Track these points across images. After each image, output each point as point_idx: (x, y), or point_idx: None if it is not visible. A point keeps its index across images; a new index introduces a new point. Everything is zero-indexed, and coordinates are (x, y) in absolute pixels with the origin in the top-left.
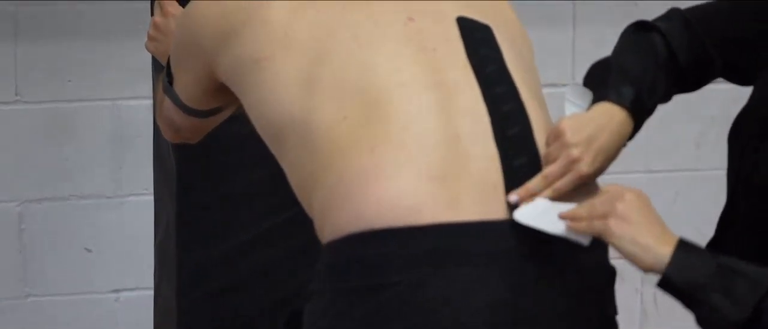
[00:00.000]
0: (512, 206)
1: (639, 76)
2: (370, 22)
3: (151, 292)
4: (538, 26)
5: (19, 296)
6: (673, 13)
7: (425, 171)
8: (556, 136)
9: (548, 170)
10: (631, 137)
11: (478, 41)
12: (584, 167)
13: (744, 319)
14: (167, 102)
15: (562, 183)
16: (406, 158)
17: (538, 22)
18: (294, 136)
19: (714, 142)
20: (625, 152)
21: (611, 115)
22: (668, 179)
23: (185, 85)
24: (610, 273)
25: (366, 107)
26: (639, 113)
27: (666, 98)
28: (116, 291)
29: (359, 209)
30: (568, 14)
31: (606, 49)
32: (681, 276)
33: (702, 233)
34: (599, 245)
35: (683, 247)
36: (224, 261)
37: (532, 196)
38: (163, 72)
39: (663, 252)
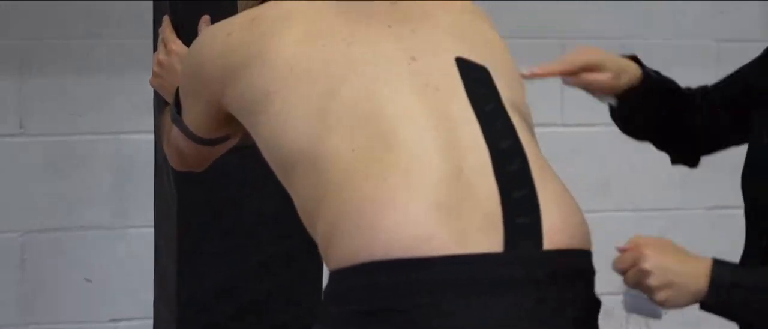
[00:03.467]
0: (512, 238)
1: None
2: (376, 59)
3: (150, 322)
4: (528, 65)
5: (20, 324)
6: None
7: (433, 204)
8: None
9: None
10: None
11: (477, 81)
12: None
13: None
14: (175, 131)
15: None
16: (414, 190)
17: (528, 61)
18: (303, 165)
19: (698, 181)
20: (612, 190)
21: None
22: (654, 217)
23: (193, 114)
24: (597, 304)
25: (373, 139)
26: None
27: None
28: (114, 320)
29: (368, 238)
30: (556, 53)
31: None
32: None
33: None
34: (588, 279)
35: (717, 274)
36: (223, 290)
37: None
38: (170, 103)
39: (701, 287)
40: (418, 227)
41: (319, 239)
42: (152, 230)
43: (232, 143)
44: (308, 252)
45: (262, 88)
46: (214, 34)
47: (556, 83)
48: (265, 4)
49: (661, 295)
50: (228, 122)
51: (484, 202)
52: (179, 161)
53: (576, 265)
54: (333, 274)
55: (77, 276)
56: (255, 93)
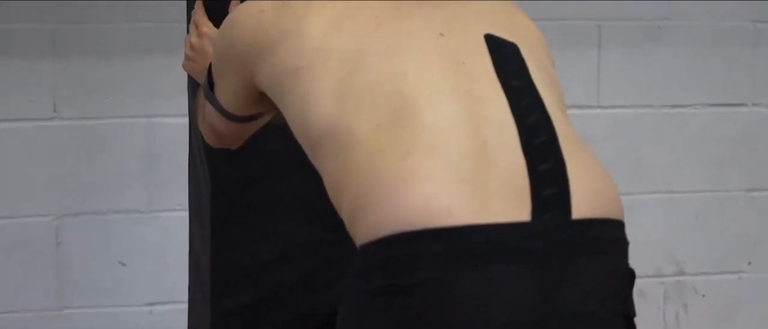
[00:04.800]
0: (539, 208)
1: None
2: (403, 36)
3: (184, 306)
4: (564, 48)
5: (56, 308)
6: None
7: (456, 176)
8: None
9: None
10: None
11: (505, 57)
12: None
13: None
14: (209, 108)
15: None
16: (437, 163)
17: (564, 43)
18: (329, 141)
19: (734, 163)
20: (646, 172)
21: None
22: (689, 200)
23: (226, 92)
24: (630, 275)
25: (398, 114)
26: None
27: None
28: (150, 304)
29: (392, 212)
30: (594, 35)
31: (631, 70)
32: None
33: (720, 254)
34: (620, 249)
35: None
36: (258, 272)
37: None
38: (203, 82)
39: None
40: (442, 199)
41: (344, 215)
42: (185, 213)
43: (265, 119)
44: (342, 236)
45: (291, 65)
46: (246, 12)
47: (593, 64)
48: None
49: None
50: (261, 99)
51: (510, 175)
52: (214, 139)
53: (606, 234)
54: (359, 250)
55: (112, 259)
56: (284, 70)
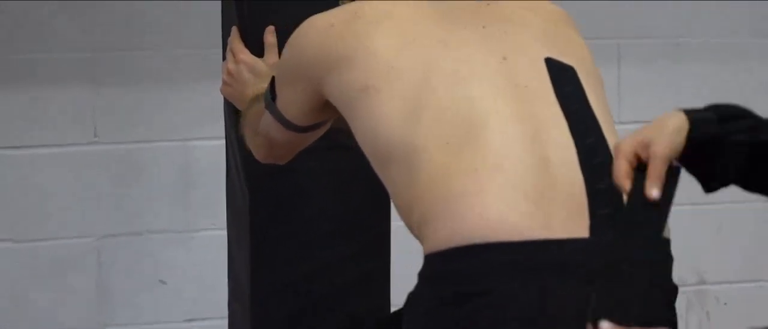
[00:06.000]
0: (596, 226)
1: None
2: (469, 58)
3: (223, 321)
4: None
5: (98, 326)
6: None
7: (522, 193)
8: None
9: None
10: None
11: (564, 80)
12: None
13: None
14: (266, 120)
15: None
16: (504, 181)
17: None
18: (397, 158)
19: None
20: None
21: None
22: (711, 212)
23: (289, 102)
24: (675, 291)
25: (466, 134)
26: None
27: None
28: (190, 320)
29: (461, 225)
30: (613, 53)
31: (650, 86)
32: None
33: (746, 264)
34: (665, 267)
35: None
36: (296, 286)
37: None
38: (265, 93)
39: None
40: (507, 214)
41: (414, 227)
42: (221, 232)
43: (322, 130)
44: (377, 251)
45: (362, 82)
46: (316, 25)
47: (613, 79)
48: (365, 2)
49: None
50: (323, 109)
51: (571, 193)
52: (266, 152)
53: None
54: (426, 258)
55: (152, 278)
56: (354, 86)
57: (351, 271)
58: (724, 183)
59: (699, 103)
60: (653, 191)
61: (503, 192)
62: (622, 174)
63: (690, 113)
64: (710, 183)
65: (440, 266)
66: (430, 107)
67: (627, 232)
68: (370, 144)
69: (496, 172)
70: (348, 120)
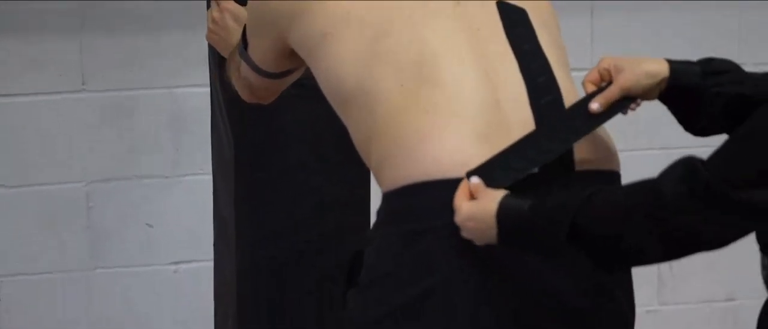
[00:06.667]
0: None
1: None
2: (423, 4)
3: (208, 264)
4: (558, 14)
5: (88, 268)
6: None
7: (472, 132)
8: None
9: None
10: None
11: (515, 22)
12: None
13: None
14: (244, 66)
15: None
16: (456, 121)
17: (558, 10)
18: (357, 101)
19: None
20: (641, 129)
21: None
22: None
23: (259, 50)
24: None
25: (419, 76)
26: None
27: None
28: (176, 263)
29: (414, 164)
30: (586, 15)
31: (623, 36)
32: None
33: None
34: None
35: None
36: (280, 229)
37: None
38: (238, 42)
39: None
40: (458, 153)
41: (372, 167)
42: (207, 176)
43: (297, 75)
44: (362, 197)
45: (321, 29)
46: None
47: (586, 26)
48: None
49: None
50: (292, 57)
51: (520, 131)
52: (249, 94)
53: (605, 184)
54: (383, 196)
55: (139, 221)
56: (314, 34)
57: (338, 219)
58: (705, 129)
59: (672, 52)
60: (594, 105)
61: (456, 131)
62: (589, 79)
63: (673, 63)
64: (694, 126)
65: (394, 203)
66: (386, 50)
67: (555, 122)
68: (331, 89)
69: (449, 111)
70: (311, 68)
